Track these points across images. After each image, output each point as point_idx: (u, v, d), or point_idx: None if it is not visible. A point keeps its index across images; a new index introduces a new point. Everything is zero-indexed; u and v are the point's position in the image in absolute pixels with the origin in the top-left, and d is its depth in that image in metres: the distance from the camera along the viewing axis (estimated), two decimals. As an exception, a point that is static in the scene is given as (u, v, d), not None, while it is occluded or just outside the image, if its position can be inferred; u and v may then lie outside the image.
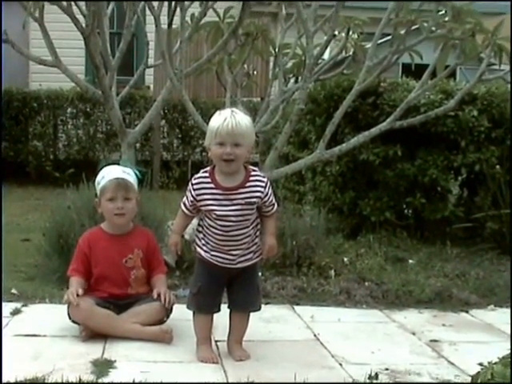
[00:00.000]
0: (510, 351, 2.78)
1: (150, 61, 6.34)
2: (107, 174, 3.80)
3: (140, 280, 3.79)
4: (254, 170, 3.41)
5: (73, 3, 5.12)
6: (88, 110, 11.29)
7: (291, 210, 6.08)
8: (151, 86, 11.53)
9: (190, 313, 4.07)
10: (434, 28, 5.22)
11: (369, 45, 5.56)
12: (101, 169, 3.91)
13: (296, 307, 4.39)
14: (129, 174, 3.82)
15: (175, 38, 5.23)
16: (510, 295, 4.61)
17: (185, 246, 4.94)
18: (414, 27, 5.24)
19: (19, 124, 11.20)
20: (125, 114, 10.41)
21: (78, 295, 3.55)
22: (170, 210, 5.57)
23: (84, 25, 4.96)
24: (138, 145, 10.55)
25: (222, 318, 4.04)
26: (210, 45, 5.51)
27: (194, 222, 4.98)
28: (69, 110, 11.33)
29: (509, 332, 3.89)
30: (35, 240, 5.47)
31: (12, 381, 2.90)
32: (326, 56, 6.22)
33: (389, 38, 5.46)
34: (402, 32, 5.26)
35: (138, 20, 5.65)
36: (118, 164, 3.97)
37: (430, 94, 5.99)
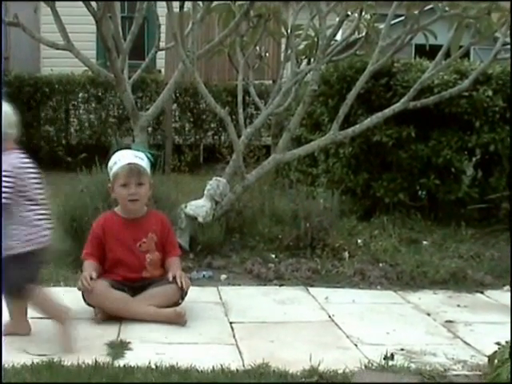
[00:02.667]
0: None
1: (162, 44, 6.30)
2: (119, 160, 3.78)
3: (155, 263, 3.79)
4: None
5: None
6: (100, 94, 11.29)
7: (304, 192, 6.07)
8: (162, 70, 11.50)
9: (205, 295, 4.11)
10: (447, 8, 5.17)
11: (382, 25, 5.52)
12: (113, 153, 3.89)
13: (310, 289, 4.38)
14: (141, 159, 3.79)
15: (187, 21, 5.21)
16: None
17: (199, 229, 4.97)
18: (427, 7, 5.19)
19: (31, 109, 11.20)
20: (136, 98, 10.39)
21: (91, 279, 3.55)
22: (183, 192, 5.59)
23: (96, 8, 4.95)
24: (149, 129, 10.54)
25: (237, 299, 4.07)
26: (222, 27, 5.48)
27: (207, 204, 5.01)
28: (80, 94, 11.34)
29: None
30: (49, 224, 5.48)
31: (28, 363, 2.91)
32: (338, 37, 6.18)
33: (402, 18, 5.41)
34: (416, 12, 5.21)
35: (149, 3, 5.62)
36: (130, 148, 3.95)
37: (444, 74, 5.93)
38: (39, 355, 3.02)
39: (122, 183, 3.73)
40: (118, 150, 3.90)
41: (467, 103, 5.95)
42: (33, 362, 2.92)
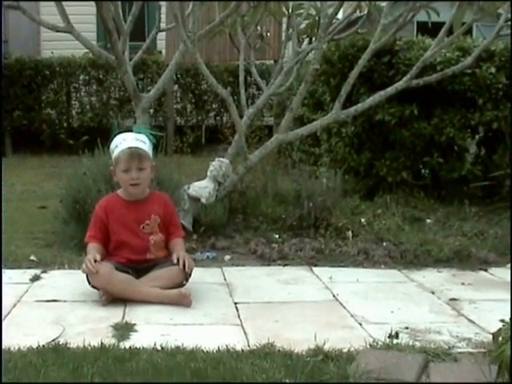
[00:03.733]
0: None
1: (162, 25, 6.27)
2: (120, 144, 3.76)
3: (158, 245, 3.79)
4: None
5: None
6: (101, 76, 11.28)
7: (307, 172, 6.07)
8: (163, 51, 11.47)
9: (210, 276, 4.12)
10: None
11: (384, 3, 5.48)
12: (114, 136, 3.88)
13: (314, 268, 4.38)
14: (143, 142, 3.77)
15: (187, 1, 5.18)
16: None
17: (202, 210, 4.97)
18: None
19: (32, 92, 11.21)
20: (137, 79, 10.38)
21: (95, 261, 3.55)
22: (185, 174, 5.60)
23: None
24: (151, 110, 10.53)
25: (241, 279, 4.08)
26: (223, 7, 5.45)
27: (210, 185, 5.01)
28: (81, 77, 11.33)
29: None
30: (52, 207, 5.50)
31: (34, 346, 2.92)
32: (339, 16, 6.15)
33: (404, -5, 5.37)
34: (418, -12, 5.18)
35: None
36: (131, 131, 3.92)
37: (447, 51, 5.90)
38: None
39: (123, 168, 3.73)
40: (119, 133, 3.89)
41: (470, 80, 5.92)
42: (39, 345, 2.93)
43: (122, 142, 3.77)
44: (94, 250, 3.69)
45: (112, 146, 3.83)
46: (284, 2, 5.66)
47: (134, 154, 3.71)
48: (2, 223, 5.02)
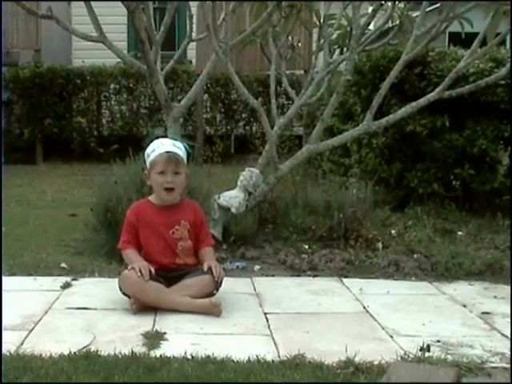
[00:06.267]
0: None
1: (193, 35, 6.29)
2: (158, 148, 3.80)
3: (187, 251, 3.80)
4: None
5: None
6: (131, 85, 11.35)
7: (337, 182, 6.04)
8: (193, 61, 11.52)
9: (239, 286, 4.11)
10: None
11: (415, 14, 5.45)
12: (151, 141, 3.91)
13: (344, 280, 4.36)
14: (179, 148, 3.81)
15: (219, 12, 5.20)
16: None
17: (232, 220, 4.97)
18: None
19: (63, 101, 11.31)
20: (168, 88, 10.38)
21: (150, 272, 3.56)
22: (216, 183, 5.60)
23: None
24: (181, 119, 10.56)
25: (271, 290, 4.07)
26: (254, 17, 5.46)
27: (240, 195, 5.01)
28: (112, 85, 11.40)
29: None
30: (82, 215, 5.53)
31: (66, 353, 2.93)
32: (371, 26, 6.13)
33: (437, 6, 5.34)
34: (451, -1, 5.15)
35: (181, -6, 5.62)
36: (168, 137, 3.95)
37: (480, 62, 5.85)
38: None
39: (159, 171, 3.74)
40: (155, 138, 3.91)
41: (503, 92, 5.85)
42: (70, 352, 2.95)
43: (160, 146, 3.80)
44: (137, 255, 3.72)
45: (148, 149, 3.85)
46: (315, 12, 5.65)
47: (172, 157, 3.74)
48: (2, 231, 5.07)
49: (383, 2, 5.43)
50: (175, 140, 3.89)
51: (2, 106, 10.57)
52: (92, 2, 5.29)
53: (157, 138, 3.93)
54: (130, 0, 4.92)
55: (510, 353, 3.12)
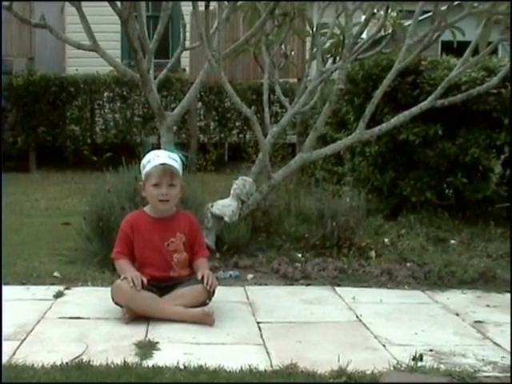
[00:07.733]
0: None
1: (187, 43, 6.30)
2: (153, 159, 3.78)
3: (182, 263, 3.79)
4: None
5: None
6: (125, 93, 11.36)
7: (330, 191, 6.05)
8: (187, 69, 11.54)
9: (232, 295, 4.10)
10: (476, 4, 5.11)
11: (408, 22, 5.47)
12: (146, 152, 3.90)
13: (337, 288, 4.36)
14: (175, 160, 3.80)
15: (212, 20, 5.20)
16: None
17: (225, 229, 4.97)
18: (455, 3, 5.13)
19: (57, 109, 11.32)
20: (161, 97, 10.44)
21: (142, 282, 3.55)
22: (209, 192, 5.60)
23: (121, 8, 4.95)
24: (174, 128, 10.57)
25: (263, 299, 4.06)
26: (247, 26, 5.47)
27: (233, 203, 5.01)
28: (105, 94, 11.41)
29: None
30: (75, 223, 5.51)
31: (58, 363, 2.92)
32: (363, 35, 6.15)
33: (429, 14, 5.36)
34: (444, 8, 5.16)
35: (174, 2, 5.62)
36: (164, 148, 3.93)
37: (472, 71, 5.88)
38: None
39: (154, 183, 3.74)
40: (151, 149, 3.91)
41: (495, 100, 5.89)
42: (62, 362, 2.94)
43: (156, 158, 3.79)
44: (130, 266, 3.71)
45: (144, 161, 3.85)
46: (308, 21, 5.67)
47: (167, 170, 3.73)
48: (2, 241, 5.06)
49: (376, 11, 5.45)
50: (171, 151, 3.87)
51: (1, 111, 10.59)
52: (85, 10, 5.29)
53: (152, 148, 3.92)
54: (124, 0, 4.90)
55: (502, 362, 3.12)
